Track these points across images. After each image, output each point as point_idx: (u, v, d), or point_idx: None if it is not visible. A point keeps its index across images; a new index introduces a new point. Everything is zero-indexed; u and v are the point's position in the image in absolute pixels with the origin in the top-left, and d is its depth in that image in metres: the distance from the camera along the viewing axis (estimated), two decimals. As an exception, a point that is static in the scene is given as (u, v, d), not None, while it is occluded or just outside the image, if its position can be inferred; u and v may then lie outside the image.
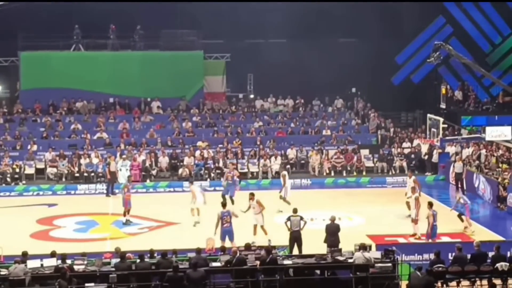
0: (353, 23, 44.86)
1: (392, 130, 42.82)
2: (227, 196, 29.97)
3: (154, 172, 37.63)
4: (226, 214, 24.56)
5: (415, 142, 40.43)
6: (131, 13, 43.10)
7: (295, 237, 23.73)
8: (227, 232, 24.28)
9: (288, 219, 24.07)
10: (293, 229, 23.83)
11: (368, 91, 46.38)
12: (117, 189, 34.74)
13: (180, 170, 37.47)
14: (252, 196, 26.35)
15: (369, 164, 39.15)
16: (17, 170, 36.72)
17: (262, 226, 25.84)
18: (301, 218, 23.97)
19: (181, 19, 44.41)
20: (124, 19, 43.31)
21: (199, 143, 39.79)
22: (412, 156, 39.08)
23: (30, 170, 37.24)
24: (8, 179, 36.30)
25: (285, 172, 31.52)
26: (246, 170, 37.96)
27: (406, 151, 39.68)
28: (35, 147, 38.75)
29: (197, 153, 38.43)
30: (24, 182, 36.50)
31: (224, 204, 25.79)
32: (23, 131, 40.68)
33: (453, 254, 21.18)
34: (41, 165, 37.58)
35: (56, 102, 43.76)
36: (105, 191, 35.09)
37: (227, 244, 23.57)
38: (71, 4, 42.40)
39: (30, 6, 41.90)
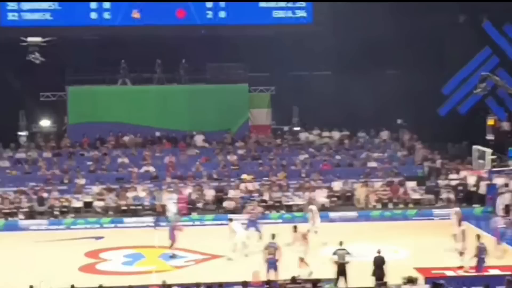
0: (398, 55, 44.66)
1: (438, 161, 42.41)
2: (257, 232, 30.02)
3: (200, 205, 37.73)
4: (272, 246, 24.64)
5: (462, 173, 40.00)
6: (177, 47, 43.51)
7: (341, 270, 23.62)
8: (271, 264, 24.31)
9: (335, 252, 23.99)
10: (339, 262, 23.72)
11: (414, 123, 46.07)
12: (164, 222, 35.00)
13: (226, 203, 37.52)
14: (295, 229, 26.34)
15: (416, 196, 38.80)
16: (65, 203, 37.12)
17: (303, 259, 25.69)
18: (347, 252, 23.86)
19: (226, 53, 44.76)
20: (170, 53, 43.74)
21: (244, 176, 39.84)
22: (460, 188, 38.66)
23: (77, 204, 37.60)
24: (56, 213, 36.67)
25: (313, 207, 32.10)
26: (291, 203, 37.86)
27: (453, 182, 39.27)
28: (83, 181, 39.16)
29: (242, 186, 38.49)
30: (72, 215, 36.84)
31: (273, 236, 25.60)
32: (71, 165, 41.15)
33: (503, 287, 20.85)
34: (88, 199, 37.91)
35: (103, 136, 44.21)
36: (152, 224, 35.29)
37: (272, 276, 23.54)
38: (118, 38, 42.92)
39: (77, 41, 42.52)
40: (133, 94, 44.67)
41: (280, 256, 24.86)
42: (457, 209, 29.23)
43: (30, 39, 41.01)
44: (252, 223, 31.41)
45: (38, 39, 41.04)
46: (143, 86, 44.87)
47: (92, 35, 43.36)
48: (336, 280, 23.45)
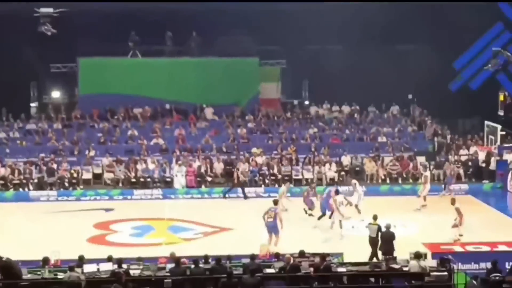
0: (410, 30, 44.45)
1: (449, 137, 42.35)
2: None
3: (209, 178, 37.81)
4: (272, 210, 25.82)
5: (472, 149, 39.93)
6: (187, 20, 43.43)
7: (372, 243, 23.76)
8: (272, 228, 25.48)
9: (367, 226, 24.45)
10: (370, 236, 23.95)
11: (425, 98, 45.92)
12: (173, 194, 35.13)
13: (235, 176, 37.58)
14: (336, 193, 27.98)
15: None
16: (75, 175, 37.21)
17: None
18: (379, 228, 23.94)
19: (236, 25, 44.64)
20: (180, 26, 43.69)
21: (254, 150, 39.87)
22: (469, 163, 38.61)
23: (87, 175, 37.71)
24: (66, 184, 36.81)
25: (355, 181, 31.99)
26: (300, 176, 37.91)
27: (463, 158, 39.22)
28: (92, 153, 39.25)
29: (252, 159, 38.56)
30: (81, 187, 36.97)
31: (275, 202, 26.85)
32: (81, 136, 41.24)
33: (511, 263, 20.87)
34: (98, 170, 38.02)
35: (113, 108, 44.27)
36: (161, 196, 35.48)
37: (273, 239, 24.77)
38: (128, 10, 42.85)
39: (89, 12, 42.46)
40: (143, 66, 44.66)
41: (280, 221, 25.75)
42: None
43: (42, 10, 40.97)
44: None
45: (49, 10, 40.99)
46: (153, 59, 44.86)
47: (104, 6, 43.26)
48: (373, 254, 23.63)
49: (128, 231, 29.50)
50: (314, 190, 31.45)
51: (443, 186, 35.71)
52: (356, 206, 30.35)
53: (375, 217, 24.50)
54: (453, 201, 27.16)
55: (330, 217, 28.46)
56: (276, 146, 40.51)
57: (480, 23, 46.13)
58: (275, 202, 26.64)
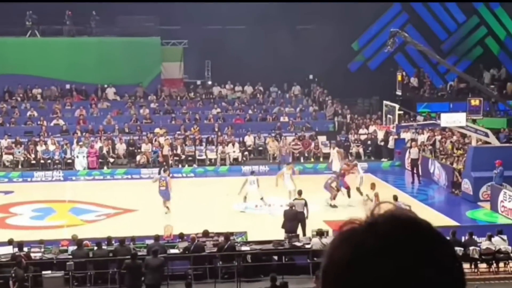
0: (310, 10, 45.00)
1: (348, 116, 43.14)
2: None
3: (111, 159, 37.49)
4: (163, 179, 28.31)
5: (371, 128, 40.78)
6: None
7: (300, 219, 23.79)
8: (164, 194, 27.85)
9: (294, 201, 24.54)
10: (298, 211, 23.94)
11: (325, 78, 46.58)
12: (74, 176, 34.73)
13: (138, 157, 37.40)
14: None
15: (326, 150, 39.37)
16: (-28, 157, 36.36)
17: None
18: (306, 203, 24.14)
19: (138, 5, 44.25)
20: (80, 5, 42.97)
21: (157, 130, 39.71)
22: (369, 142, 39.44)
23: (-15, 158, 36.88)
24: (-37, 167, 35.93)
25: (356, 162, 32.13)
26: (204, 157, 37.99)
27: (363, 137, 40.02)
28: (-10, 134, 38.36)
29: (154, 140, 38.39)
30: (-21, 169, 36.14)
31: (165, 170, 31.02)
32: (-22, 117, 40.23)
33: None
34: (-4, 152, 37.26)
35: (11, 89, 43.29)
36: (62, 178, 35.02)
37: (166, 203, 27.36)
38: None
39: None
40: (42, 46, 43.67)
41: (170, 187, 27.91)
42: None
43: None
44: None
45: None
46: (52, 38, 43.99)
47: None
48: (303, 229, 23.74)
49: (29, 213, 29.01)
50: (293, 169, 30.88)
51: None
52: (358, 188, 29.93)
53: (300, 193, 24.86)
54: (373, 186, 27.21)
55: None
56: (179, 126, 40.43)
57: (379, 4, 47.02)
58: (165, 171, 30.80)
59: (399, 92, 41.81)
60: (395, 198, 25.53)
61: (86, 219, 28.16)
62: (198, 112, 42.40)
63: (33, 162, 36.79)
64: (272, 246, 21.18)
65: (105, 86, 44.12)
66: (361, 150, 38.82)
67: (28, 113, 40.85)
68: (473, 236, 22.30)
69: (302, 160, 38.49)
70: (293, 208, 23.83)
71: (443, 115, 32.38)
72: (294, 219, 23.42)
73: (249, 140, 39.52)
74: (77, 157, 36.33)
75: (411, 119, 41.71)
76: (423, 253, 1.93)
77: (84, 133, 38.91)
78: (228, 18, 44.67)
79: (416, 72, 47.82)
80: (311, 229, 21.57)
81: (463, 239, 22.08)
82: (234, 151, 38.10)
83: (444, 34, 48.99)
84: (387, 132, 38.98)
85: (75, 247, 20.29)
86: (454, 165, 32.35)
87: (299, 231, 23.29)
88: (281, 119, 42.22)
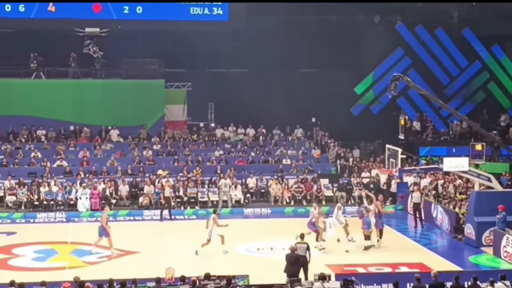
0: (314, 54, 45.36)
1: (351, 160, 43.22)
2: None
3: (114, 201, 37.52)
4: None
5: (374, 172, 40.82)
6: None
7: (302, 263, 23.74)
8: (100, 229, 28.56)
9: (296, 245, 24.30)
10: (300, 255, 23.89)
11: (328, 121, 46.76)
12: (76, 217, 34.73)
13: (141, 199, 37.46)
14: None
15: (329, 193, 39.46)
16: (-25, 198, 36.42)
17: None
18: (308, 247, 24.11)
19: (142, 48, 44.61)
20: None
21: (160, 172, 39.80)
22: (371, 186, 39.43)
23: (-12, 198, 36.94)
24: (-34, 207, 35.99)
25: (339, 204, 32.35)
26: (206, 199, 38.03)
27: (365, 180, 40.05)
28: (-7, 175, 38.48)
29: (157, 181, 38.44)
30: (-18, 210, 36.18)
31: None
32: (-19, 158, 40.35)
33: (412, 284, 21.41)
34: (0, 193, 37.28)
35: (16, 130, 43.47)
36: (64, 220, 35.03)
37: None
38: (32, 32, 42.37)
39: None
40: (47, 87, 43.92)
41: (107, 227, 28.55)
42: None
43: None
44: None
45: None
46: (57, 80, 44.25)
47: (6, 27, 42.69)
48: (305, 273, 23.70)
49: (31, 255, 28.96)
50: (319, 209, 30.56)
51: None
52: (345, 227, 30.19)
53: (302, 236, 24.84)
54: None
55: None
56: (182, 168, 40.52)
57: (381, 49, 47.36)
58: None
59: (401, 136, 42.01)
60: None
61: (89, 260, 28.12)
62: (201, 154, 42.52)
63: (36, 203, 36.85)
64: (274, 290, 21.12)
65: (109, 127, 44.29)
66: (363, 194, 38.70)
67: (32, 154, 40.97)
68: (477, 282, 22.19)
69: (304, 203, 38.48)
70: (295, 252, 23.80)
71: (445, 160, 32.38)
72: (296, 263, 23.37)
73: (251, 182, 39.59)
74: (80, 198, 36.41)
75: (414, 163, 41.75)
76: None
77: (87, 175, 39.00)
78: (231, 61, 45.03)
79: (418, 116, 47.98)
80: (313, 273, 21.50)
81: (466, 285, 21.98)
82: (236, 194, 38.17)
83: (447, 79, 49.24)
84: (389, 176, 39.00)
85: (77, 289, 20.24)
86: (457, 210, 32.36)
87: (301, 275, 23.26)
88: (284, 161, 42.32)
